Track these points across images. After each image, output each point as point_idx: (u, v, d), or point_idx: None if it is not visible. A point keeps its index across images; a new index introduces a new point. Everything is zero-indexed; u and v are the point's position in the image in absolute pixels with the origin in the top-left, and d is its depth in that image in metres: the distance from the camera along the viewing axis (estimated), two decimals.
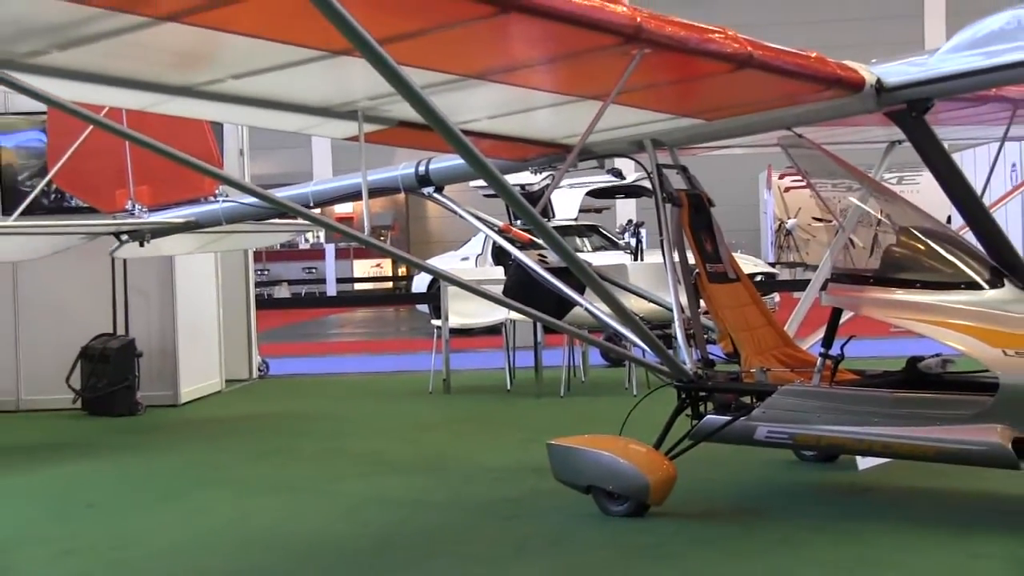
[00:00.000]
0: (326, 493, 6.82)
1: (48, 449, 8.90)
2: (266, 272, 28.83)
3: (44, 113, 9.67)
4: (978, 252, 5.85)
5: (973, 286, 5.61)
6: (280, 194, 7.21)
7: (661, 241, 6.38)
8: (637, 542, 5.29)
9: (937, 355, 6.07)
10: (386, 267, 33.00)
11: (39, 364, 10.96)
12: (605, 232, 20.28)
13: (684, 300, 6.33)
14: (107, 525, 6.26)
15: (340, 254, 31.51)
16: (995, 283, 5.60)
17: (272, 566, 5.24)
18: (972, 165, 16.61)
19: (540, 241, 5.60)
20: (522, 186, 14.65)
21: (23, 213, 8.08)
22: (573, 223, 19.71)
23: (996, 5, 5.71)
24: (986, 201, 6.35)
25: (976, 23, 5.74)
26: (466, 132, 5.01)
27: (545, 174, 7.39)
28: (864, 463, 6.14)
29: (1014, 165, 15.48)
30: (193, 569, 5.25)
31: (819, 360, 5.86)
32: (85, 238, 9.04)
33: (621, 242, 19.25)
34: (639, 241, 18.13)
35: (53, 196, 10.47)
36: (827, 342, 5.90)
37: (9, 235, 8.66)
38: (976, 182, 6.40)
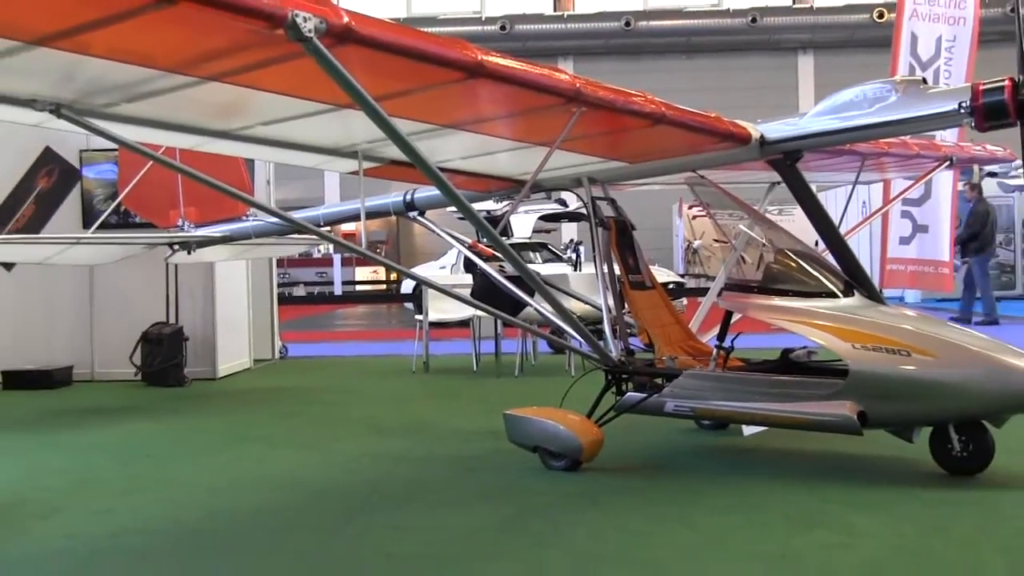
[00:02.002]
0: (330, 449, 6.80)
1: (115, 411, 8.83)
2: (287, 275, 28.57)
3: (116, 150, 9.61)
4: (836, 269, 5.92)
5: (831, 295, 5.68)
6: (298, 215, 7.18)
7: (594, 256, 6.40)
8: (572, 490, 5.30)
9: (804, 348, 6.11)
10: (381, 273, 32.83)
11: (109, 344, 10.93)
12: (552, 248, 20.27)
13: (611, 303, 6.36)
14: (160, 470, 6.24)
15: (345, 262, 31.31)
16: (847, 293, 5.68)
17: (288, 504, 5.22)
18: (832, 202, 16.77)
19: (500, 255, 5.60)
20: (487, 211, 14.63)
21: (98, 228, 8.05)
22: (527, 241, 19.69)
23: (851, 81, 5.80)
24: (842, 230, 6.40)
25: (834, 95, 5.83)
26: (443, 169, 5.03)
27: (505, 202, 7.36)
28: (748, 430, 6.17)
29: (864, 203, 15.62)
30: (227, 505, 5.23)
31: (715, 351, 5.91)
32: (146, 247, 9.00)
33: (564, 256, 19.26)
34: (578, 256, 18.16)
35: (121, 214, 10.39)
36: (721, 337, 5.95)
37: (88, 244, 8.61)
38: (835, 215, 6.46)
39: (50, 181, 11.01)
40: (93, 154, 10.82)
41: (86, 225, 10.34)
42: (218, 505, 5.23)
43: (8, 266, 10.60)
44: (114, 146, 7.52)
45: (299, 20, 3.37)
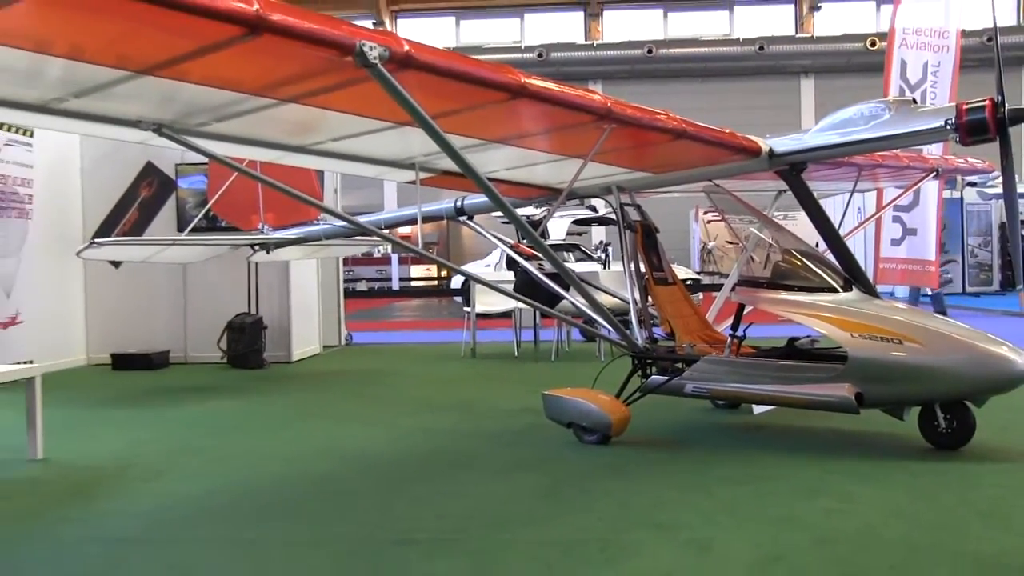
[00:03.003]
0: (389, 424, 6.83)
1: (205, 390, 8.93)
2: (351, 272, 28.69)
3: (206, 163, 9.72)
4: (836, 267, 5.86)
5: (832, 290, 5.62)
6: (361, 219, 7.22)
7: (622, 256, 6.40)
8: (602, 462, 5.30)
9: (808, 336, 6.07)
10: (433, 270, 32.93)
11: (200, 331, 11.08)
12: (584, 249, 20.23)
13: (637, 296, 6.35)
14: (244, 441, 6.30)
15: (402, 261, 31.44)
16: (846, 288, 5.62)
17: (352, 471, 5.26)
18: (832, 208, 16.55)
19: (539, 254, 5.60)
20: (527, 216, 14.63)
21: (190, 231, 8.14)
22: (562, 242, 19.66)
23: (848, 102, 5.75)
24: (841, 232, 6.33)
25: (834, 113, 5.79)
26: (489, 179, 5.04)
27: (543, 208, 7.36)
28: (758, 409, 6.12)
29: (859, 208, 15.45)
30: (300, 472, 5.27)
31: (729, 339, 5.88)
32: (231, 248, 9.08)
33: (595, 256, 19.20)
34: (607, 255, 18.10)
35: (209, 219, 10.52)
36: (735, 327, 5.91)
37: (182, 246, 8.72)
38: (835, 219, 6.39)
39: (150, 191, 11.19)
40: (186, 167, 10.96)
41: (180, 229, 10.47)
42: (292, 472, 5.28)
43: (116, 264, 10.79)
44: (204, 160, 7.60)
45: (366, 49, 3.40)
